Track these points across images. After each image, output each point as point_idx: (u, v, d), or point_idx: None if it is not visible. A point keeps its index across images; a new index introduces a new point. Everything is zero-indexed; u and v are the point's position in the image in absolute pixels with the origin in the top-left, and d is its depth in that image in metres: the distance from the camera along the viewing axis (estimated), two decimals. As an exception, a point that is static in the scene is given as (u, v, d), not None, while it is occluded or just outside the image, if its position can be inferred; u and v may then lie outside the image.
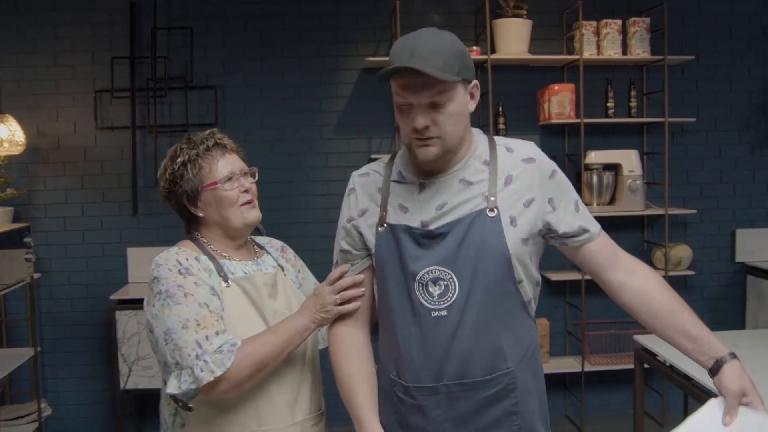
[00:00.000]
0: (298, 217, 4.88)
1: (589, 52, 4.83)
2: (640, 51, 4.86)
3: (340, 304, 1.93)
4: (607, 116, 4.97)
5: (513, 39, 4.78)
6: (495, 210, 1.79)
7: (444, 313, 1.78)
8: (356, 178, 1.97)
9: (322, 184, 4.97)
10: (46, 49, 4.84)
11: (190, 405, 1.89)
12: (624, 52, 4.89)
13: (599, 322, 5.01)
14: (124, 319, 4.44)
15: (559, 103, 4.78)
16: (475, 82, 1.80)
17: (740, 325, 5.22)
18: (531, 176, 1.84)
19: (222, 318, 1.87)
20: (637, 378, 3.46)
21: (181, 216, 2.09)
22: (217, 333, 1.82)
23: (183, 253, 1.95)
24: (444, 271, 1.78)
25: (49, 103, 4.86)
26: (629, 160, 4.86)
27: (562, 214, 1.86)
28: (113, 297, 4.53)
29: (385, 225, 1.85)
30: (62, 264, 4.91)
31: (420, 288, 1.80)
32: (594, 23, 4.84)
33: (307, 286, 2.24)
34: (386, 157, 1.98)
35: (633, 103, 5.00)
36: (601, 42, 4.85)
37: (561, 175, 1.89)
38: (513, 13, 4.78)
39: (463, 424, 1.82)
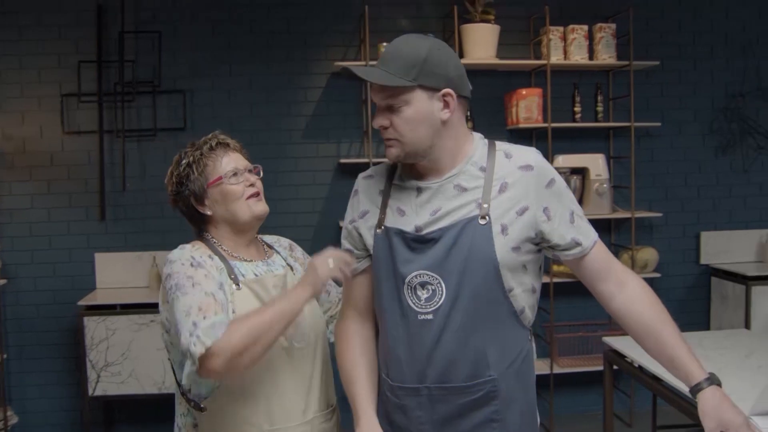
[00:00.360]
0: (268, 222, 4.81)
1: (556, 57, 4.88)
2: (606, 56, 4.92)
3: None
4: (574, 121, 5.04)
5: (481, 44, 4.82)
6: (486, 218, 1.79)
7: (430, 317, 1.80)
8: (360, 180, 2.01)
9: (291, 189, 4.96)
10: (10, 51, 4.78)
11: (202, 405, 1.90)
12: (590, 58, 4.95)
13: (567, 325, 5.06)
14: (93, 325, 4.40)
15: (527, 107, 4.83)
16: (447, 90, 1.78)
17: (705, 325, 5.31)
18: (527, 184, 1.82)
19: (224, 309, 1.82)
20: (606, 379, 3.50)
21: (191, 221, 2.08)
22: (215, 313, 1.78)
23: (197, 250, 1.95)
24: (432, 276, 1.80)
25: (14, 106, 4.80)
26: (596, 164, 4.92)
27: (557, 225, 1.83)
28: (81, 303, 4.49)
29: (383, 227, 1.89)
30: (28, 270, 4.85)
31: (409, 291, 1.83)
32: (561, 29, 4.90)
33: None
34: None
35: (599, 108, 5.07)
36: (568, 47, 4.91)
37: (560, 185, 1.87)
38: (481, 18, 4.81)
39: (443, 428, 1.84)
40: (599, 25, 4.94)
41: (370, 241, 1.92)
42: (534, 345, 1.96)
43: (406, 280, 1.82)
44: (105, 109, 4.84)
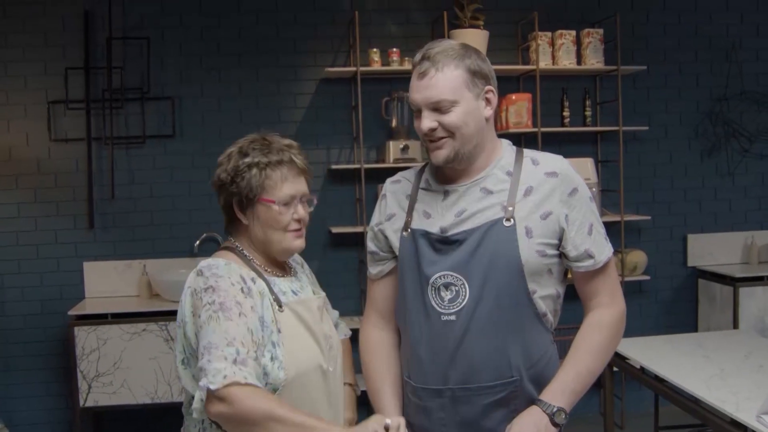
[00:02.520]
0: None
1: (544, 63, 4.92)
2: (594, 61, 4.96)
3: None
4: (563, 125, 5.07)
5: (470, 49, 4.83)
6: (511, 220, 1.81)
7: (453, 317, 1.83)
8: (388, 185, 2.05)
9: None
10: (-4, 58, 4.73)
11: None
12: (578, 63, 4.99)
13: (565, 328, 5.07)
14: (83, 335, 4.34)
15: (517, 112, 4.85)
16: (489, 87, 1.84)
17: (693, 327, 5.36)
18: (551, 190, 1.84)
19: (260, 351, 1.73)
20: (606, 381, 3.52)
21: (226, 214, 1.95)
22: (255, 359, 1.70)
23: (244, 270, 1.84)
24: (456, 277, 1.82)
25: (-1, 114, 4.75)
26: (585, 168, 4.95)
27: (573, 233, 1.84)
28: (71, 312, 4.42)
29: (409, 230, 1.90)
30: (15, 280, 4.77)
31: (433, 292, 1.85)
32: (549, 34, 4.93)
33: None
34: (418, 166, 2.04)
35: (588, 112, 5.11)
36: (556, 52, 4.95)
37: (583, 195, 1.87)
38: (470, 23, 4.83)
39: (465, 429, 1.85)
40: (587, 30, 4.98)
41: (395, 243, 1.94)
42: (556, 348, 1.97)
43: (431, 281, 1.85)
44: (93, 116, 4.78)
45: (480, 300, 1.80)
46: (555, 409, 1.78)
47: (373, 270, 2.06)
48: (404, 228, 1.93)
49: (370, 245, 2.04)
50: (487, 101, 1.85)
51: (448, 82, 1.79)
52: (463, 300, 1.82)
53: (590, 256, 1.85)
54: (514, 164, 1.88)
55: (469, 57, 1.82)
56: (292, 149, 1.91)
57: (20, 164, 4.76)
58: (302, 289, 1.97)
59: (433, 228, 1.87)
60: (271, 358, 1.76)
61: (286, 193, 1.86)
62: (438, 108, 1.80)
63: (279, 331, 1.80)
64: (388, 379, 1.98)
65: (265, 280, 1.87)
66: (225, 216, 1.96)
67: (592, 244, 1.85)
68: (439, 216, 1.88)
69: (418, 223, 1.91)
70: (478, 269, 1.80)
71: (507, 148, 1.93)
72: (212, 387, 1.59)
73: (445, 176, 1.91)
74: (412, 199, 1.95)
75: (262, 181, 1.84)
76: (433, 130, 1.82)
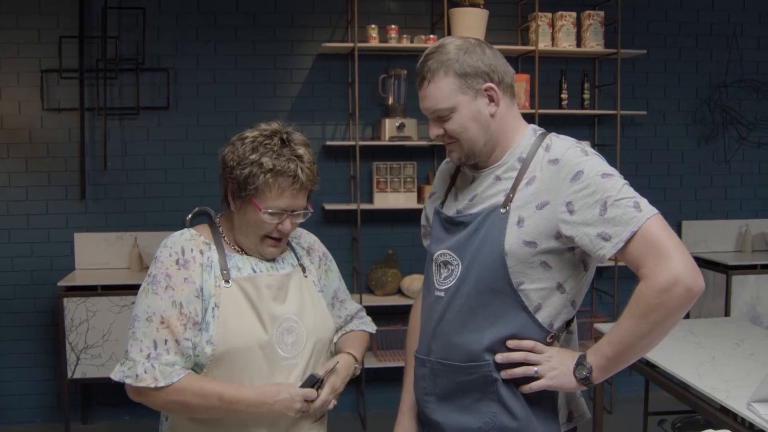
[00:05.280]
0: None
1: (544, 44, 4.87)
2: (593, 44, 4.92)
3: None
4: (560, 107, 5.04)
5: (469, 29, 4.78)
6: (507, 208, 1.81)
7: (442, 294, 1.90)
8: (442, 165, 2.14)
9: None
10: (-11, 25, 4.66)
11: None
12: (578, 45, 4.95)
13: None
14: (72, 307, 4.31)
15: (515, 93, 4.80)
16: (488, 85, 1.82)
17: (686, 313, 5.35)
18: (551, 179, 1.78)
19: (192, 325, 1.78)
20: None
21: (222, 185, 1.94)
22: (177, 341, 1.75)
23: (193, 241, 1.87)
24: (453, 257, 1.89)
25: (-9, 82, 4.69)
26: (582, 151, 4.92)
27: (580, 219, 1.73)
28: (61, 284, 4.39)
29: (439, 209, 2.02)
30: (5, 249, 4.74)
31: (435, 267, 1.94)
32: (549, 15, 4.89)
33: (328, 293, 2.09)
34: None
35: (586, 95, 5.08)
36: (556, 34, 4.90)
37: (590, 174, 1.74)
38: (470, 2, 4.77)
39: (445, 401, 1.91)
40: (588, 12, 4.93)
41: (431, 220, 2.06)
42: (558, 344, 1.88)
43: (434, 257, 1.95)
44: (86, 86, 4.73)
45: (463, 282, 1.84)
46: (584, 360, 1.77)
47: (424, 243, 2.16)
48: (439, 206, 2.03)
49: (422, 218, 2.17)
50: (490, 98, 1.82)
51: (439, 91, 1.82)
52: (453, 279, 1.87)
53: (605, 239, 1.70)
54: (528, 150, 1.85)
55: (459, 59, 1.80)
56: (303, 161, 1.86)
57: (12, 133, 4.71)
58: (270, 270, 1.92)
59: (451, 210, 1.96)
60: (200, 330, 1.80)
61: (278, 206, 1.83)
62: (439, 116, 1.85)
63: (216, 306, 1.81)
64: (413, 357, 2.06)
65: (223, 254, 1.87)
66: (222, 189, 1.95)
67: (606, 225, 1.70)
68: (462, 198, 1.96)
69: (447, 203, 2.01)
70: (469, 252, 1.84)
71: (527, 133, 1.89)
72: (128, 381, 1.77)
73: (475, 163, 1.94)
74: (452, 181, 2.05)
75: (259, 185, 1.81)
76: (440, 136, 1.89)
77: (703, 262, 5.24)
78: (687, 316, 5.29)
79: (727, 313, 4.91)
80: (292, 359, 1.87)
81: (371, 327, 2.20)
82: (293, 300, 1.92)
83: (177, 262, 1.82)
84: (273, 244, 1.90)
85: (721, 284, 4.99)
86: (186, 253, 1.84)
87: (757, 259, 5.08)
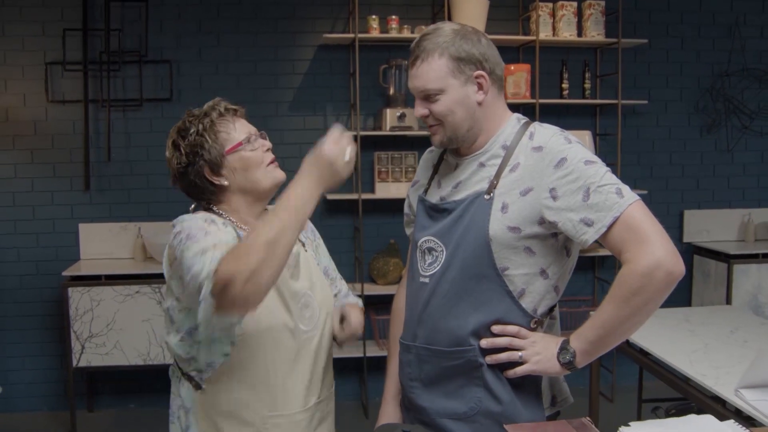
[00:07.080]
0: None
1: (545, 34, 4.88)
2: (594, 33, 4.92)
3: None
4: (561, 97, 5.04)
5: (470, 19, 4.78)
6: (491, 194, 1.84)
7: (427, 280, 1.93)
8: (425, 154, 2.17)
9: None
10: (-7, 18, 4.70)
11: (203, 386, 1.85)
12: (579, 34, 4.95)
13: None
14: (77, 296, 4.37)
15: (515, 83, 4.82)
16: (479, 72, 1.84)
17: (687, 302, 5.36)
18: (535, 166, 1.80)
19: None
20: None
21: (199, 195, 1.96)
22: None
23: (210, 216, 1.84)
24: (437, 243, 1.92)
25: (-4, 74, 4.73)
26: (583, 141, 4.85)
27: (564, 205, 1.75)
28: (66, 273, 4.45)
29: (422, 197, 2.05)
30: (11, 240, 4.80)
31: (420, 254, 1.97)
32: (550, 5, 4.89)
33: (321, 268, 2.11)
34: None
35: (587, 85, 5.08)
36: (557, 24, 4.90)
37: (573, 161, 1.76)
38: (471, -8, 4.79)
39: (430, 387, 1.93)
40: (588, 2, 4.93)
41: (415, 207, 2.09)
42: (542, 330, 1.90)
43: (418, 244, 1.97)
44: (90, 78, 4.77)
45: (448, 267, 1.87)
46: (567, 345, 1.79)
47: (407, 231, 2.20)
48: (422, 194, 2.05)
49: (405, 207, 2.21)
50: (479, 86, 1.85)
51: (432, 72, 1.84)
52: (438, 266, 1.90)
53: (587, 224, 1.72)
54: (512, 138, 1.88)
55: (455, 43, 1.82)
56: (216, 105, 1.96)
57: (17, 125, 4.76)
58: None
59: (435, 197, 1.99)
60: None
61: (242, 134, 1.92)
62: (427, 96, 1.86)
63: None
64: (396, 350, 2.09)
65: (235, 230, 1.85)
66: (199, 198, 1.98)
67: (589, 210, 1.72)
68: (445, 186, 1.98)
69: (430, 191, 2.04)
70: (453, 239, 1.87)
71: (511, 122, 1.92)
72: (209, 276, 1.60)
73: (457, 150, 1.97)
74: (435, 169, 2.07)
75: (216, 137, 1.90)
76: (425, 117, 1.90)
77: (705, 252, 5.26)
78: (689, 305, 5.31)
79: (728, 303, 4.91)
80: (310, 332, 1.93)
81: (360, 304, 2.22)
82: (305, 275, 1.97)
83: (205, 221, 1.79)
84: (276, 165, 1.97)
85: (723, 274, 4.99)
86: (209, 218, 1.82)
87: (759, 249, 5.08)
